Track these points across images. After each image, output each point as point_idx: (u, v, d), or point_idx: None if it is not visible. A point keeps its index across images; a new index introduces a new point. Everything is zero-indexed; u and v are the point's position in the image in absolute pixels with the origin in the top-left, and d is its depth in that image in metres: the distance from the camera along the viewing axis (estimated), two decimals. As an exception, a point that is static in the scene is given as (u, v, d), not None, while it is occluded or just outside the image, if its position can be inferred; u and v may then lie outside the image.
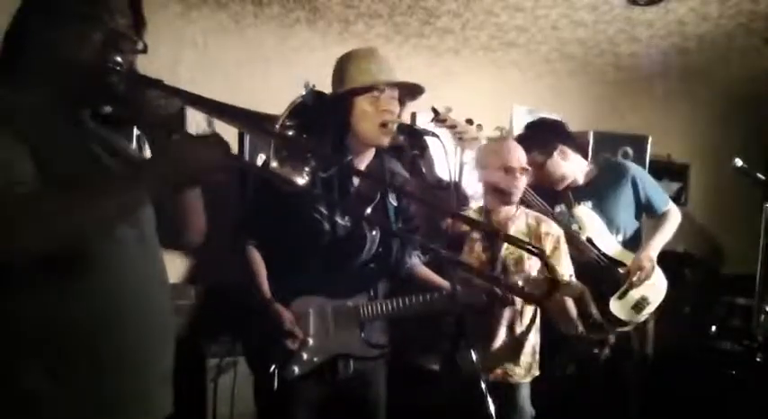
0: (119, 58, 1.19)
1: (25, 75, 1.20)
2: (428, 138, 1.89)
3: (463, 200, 2.85)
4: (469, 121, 2.32)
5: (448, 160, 1.89)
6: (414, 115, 3.05)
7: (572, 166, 2.83)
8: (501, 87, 3.76)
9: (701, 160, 4.40)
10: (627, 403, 2.82)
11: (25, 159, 1.08)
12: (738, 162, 3.03)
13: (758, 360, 3.17)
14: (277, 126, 1.19)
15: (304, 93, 1.28)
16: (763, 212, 3.20)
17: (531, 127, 2.89)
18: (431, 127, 2.01)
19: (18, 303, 1.10)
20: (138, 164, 1.32)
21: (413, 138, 1.95)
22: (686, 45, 3.52)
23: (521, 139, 2.81)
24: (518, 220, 2.41)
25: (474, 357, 1.49)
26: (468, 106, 2.62)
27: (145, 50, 1.24)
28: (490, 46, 3.52)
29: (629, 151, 3.66)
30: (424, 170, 2.11)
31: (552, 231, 2.45)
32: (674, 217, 2.87)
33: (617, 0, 2.96)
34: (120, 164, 1.27)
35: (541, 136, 2.79)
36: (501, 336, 2.30)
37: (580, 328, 2.35)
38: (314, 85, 1.30)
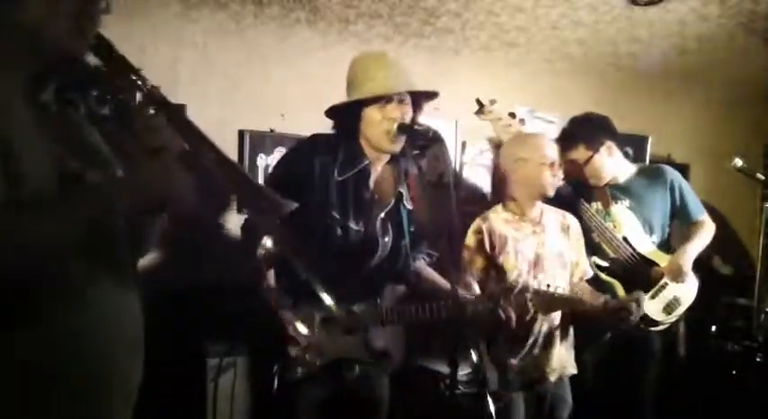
0: (86, 23, 1.13)
1: None
2: (429, 138, 1.89)
3: (467, 197, 2.83)
4: (512, 115, 2.30)
5: (448, 159, 1.90)
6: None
7: (616, 164, 2.82)
8: (501, 87, 3.75)
9: (701, 160, 4.39)
10: (643, 404, 2.80)
11: None
12: (738, 162, 3.04)
13: (758, 360, 3.16)
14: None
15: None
16: (762, 212, 3.21)
17: (577, 121, 2.86)
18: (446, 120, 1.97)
19: None
20: (110, 178, 1.22)
21: (413, 137, 1.95)
22: (686, 45, 3.52)
23: (566, 133, 2.80)
24: (547, 215, 2.41)
25: (474, 357, 1.49)
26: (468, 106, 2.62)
27: (108, 11, 1.17)
28: (490, 46, 3.51)
29: (629, 151, 3.66)
30: (424, 169, 2.11)
31: (573, 223, 2.46)
32: (709, 227, 2.89)
33: (617, 0, 2.96)
34: (87, 159, 1.18)
35: (589, 130, 2.78)
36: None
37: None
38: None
